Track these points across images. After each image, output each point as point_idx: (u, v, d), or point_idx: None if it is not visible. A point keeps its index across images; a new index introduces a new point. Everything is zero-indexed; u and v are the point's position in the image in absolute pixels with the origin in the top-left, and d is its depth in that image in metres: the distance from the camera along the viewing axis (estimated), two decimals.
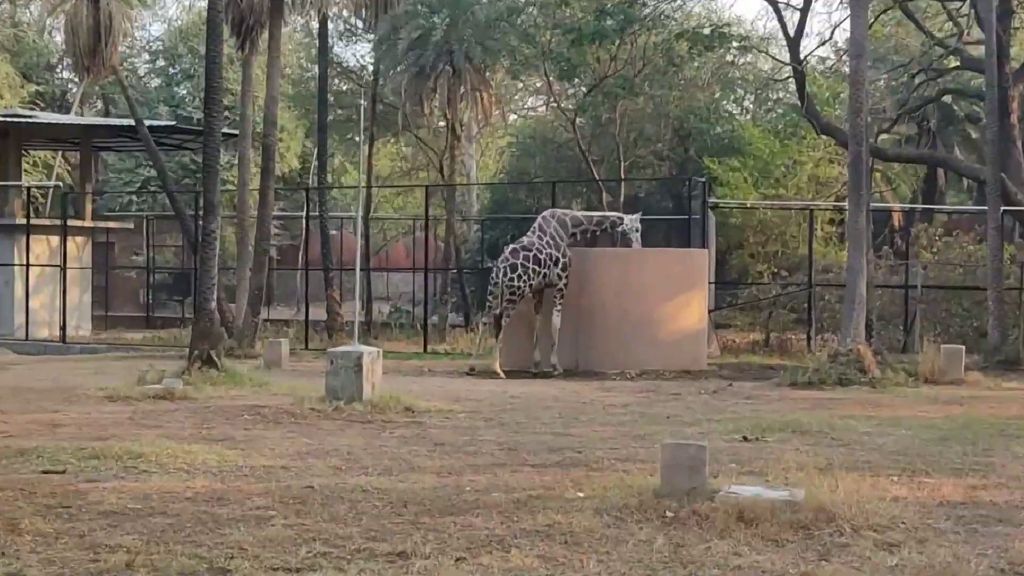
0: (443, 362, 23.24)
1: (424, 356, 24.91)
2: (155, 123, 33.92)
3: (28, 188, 35.25)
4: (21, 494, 8.60)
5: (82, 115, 44.86)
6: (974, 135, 39.09)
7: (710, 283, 24.17)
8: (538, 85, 44.68)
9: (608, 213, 23.78)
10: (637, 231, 21.69)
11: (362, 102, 20.74)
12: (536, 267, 20.48)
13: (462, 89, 32.69)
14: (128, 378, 17.02)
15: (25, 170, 38.83)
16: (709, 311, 23.44)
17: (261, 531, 7.48)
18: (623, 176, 34.58)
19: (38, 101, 45.42)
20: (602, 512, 7.92)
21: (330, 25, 36.11)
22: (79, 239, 32.58)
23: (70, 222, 31.76)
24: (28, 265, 30.61)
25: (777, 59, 35.15)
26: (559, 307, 20.86)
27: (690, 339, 21.34)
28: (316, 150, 35.12)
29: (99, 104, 51.29)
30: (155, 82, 49.17)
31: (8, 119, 32.85)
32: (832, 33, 68.08)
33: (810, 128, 30.09)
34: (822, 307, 25.65)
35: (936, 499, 8.67)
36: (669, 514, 7.76)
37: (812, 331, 25.26)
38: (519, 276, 20.32)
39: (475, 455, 10.81)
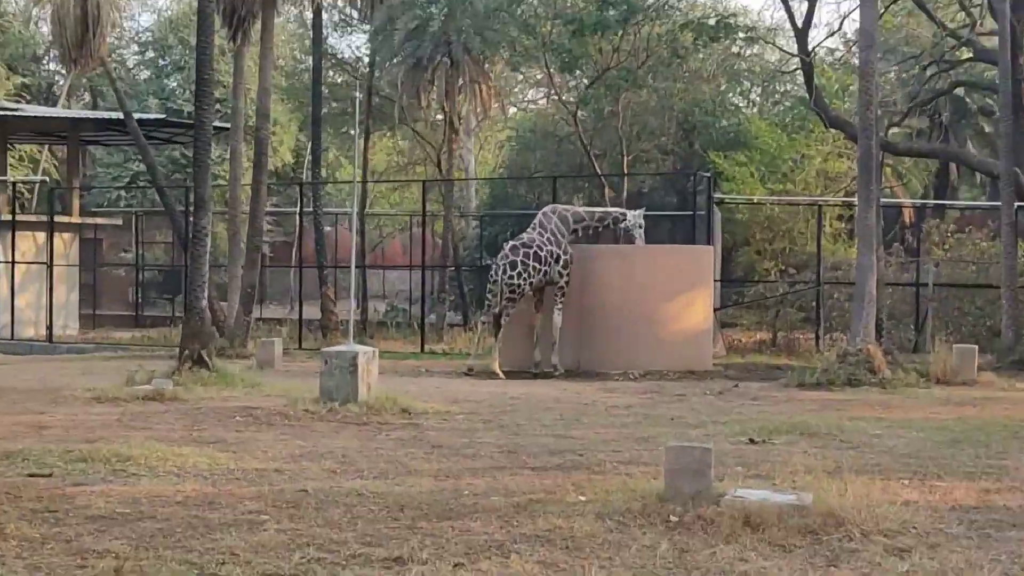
0: (441, 362, 23.24)
1: (421, 356, 24.91)
2: (144, 116, 33.93)
3: (14, 183, 35.25)
4: (6, 498, 8.59)
5: (69, 108, 44.85)
6: (987, 129, 39.11)
7: (715, 281, 24.18)
8: (538, 77, 44.67)
9: (610, 209, 23.77)
10: (640, 227, 21.68)
11: (357, 95, 20.70)
12: (536, 264, 20.48)
13: (460, 81, 32.69)
14: (116, 379, 17.01)
15: (11, 164, 38.85)
16: (714, 310, 23.44)
17: (253, 536, 7.48)
18: (626, 171, 34.57)
19: (24, 94, 45.43)
20: (604, 516, 7.91)
21: (324, 15, 36.13)
22: (66, 236, 32.59)
23: (57, 218, 31.78)
24: (13, 262, 30.61)
25: (784, 50, 35.17)
26: (560, 306, 20.86)
27: (695, 339, 21.34)
28: (310, 144, 35.13)
29: (87, 97, 51.30)
30: (144, 74, 49.20)
31: None
32: (841, 23, 68.25)
33: (818, 121, 30.09)
34: (831, 306, 25.65)
35: (948, 503, 8.67)
36: (673, 519, 7.76)
37: (820, 330, 25.27)
38: (519, 274, 20.32)
39: (474, 458, 10.81)
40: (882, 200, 24.13)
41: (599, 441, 11.97)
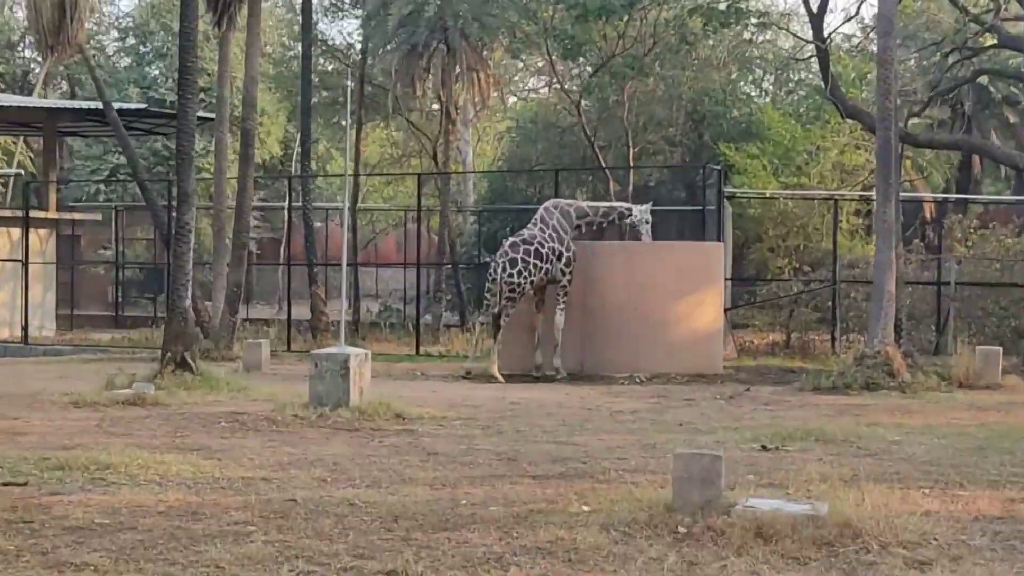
0: (437, 365, 23.24)
1: (416, 358, 24.92)
2: (125, 106, 33.91)
3: None
4: None
5: (45, 97, 44.84)
6: (1012, 119, 39.11)
7: (726, 279, 24.19)
8: (540, 65, 44.64)
9: (616, 204, 23.78)
10: (647, 223, 21.67)
11: (349, 83, 20.76)
12: (537, 262, 20.48)
13: (457, 69, 32.69)
14: (95, 382, 17.02)
15: None
16: (725, 310, 23.45)
17: (239, 548, 7.48)
18: (632, 163, 34.57)
19: None
20: (609, 527, 7.92)
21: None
22: (42, 232, 32.57)
23: (32, 213, 31.75)
24: None
25: (799, 37, 35.12)
26: (563, 305, 20.86)
27: (704, 340, 21.34)
28: (299, 135, 35.12)
29: (64, 86, 51.28)
30: (125, 61, 49.19)
31: None
32: (858, 8, 68.17)
33: (834, 111, 30.04)
34: (847, 305, 25.64)
35: (971, 513, 8.68)
36: (682, 530, 7.76)
37: (837, 331, 25.26)
38: (519, 272, 20.32)
39: (471, 466, 10.82)
40: (901, 194, 24.11)
41: (603, 448, 11.98)
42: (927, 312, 26.09)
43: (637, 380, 20.05)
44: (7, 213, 33.08)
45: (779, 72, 42.11)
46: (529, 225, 21.23)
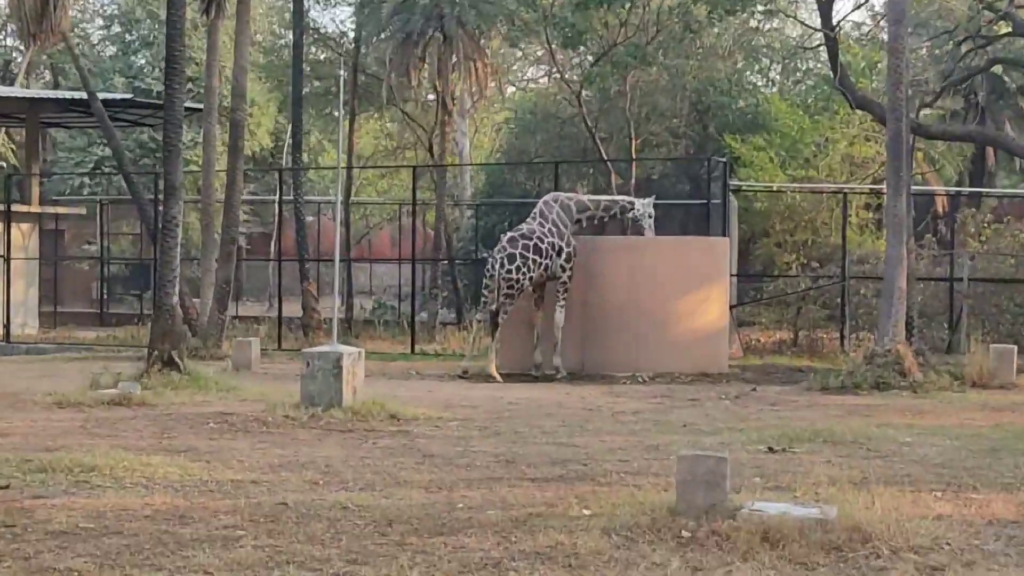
0: (433, 364, 23.25)
1: (411, 357, 24.93)
2: (110, 96, 33.91)
3: None
4: None
5: (28, 87, 44.82)
6: None
7: (731, 276, 24.18)
8: (539, 54, 44.64)
9: (617, 197, 23.78)
10: (650, 217, 21.68)
11: (342, 73, 20.67)
12: (537, 258, 20.48)
13: (454, 58, 32.66)
14: (80, 382, 17.01)
15: None
16: (730, 307, 23.46)
17: (228, 553, 7.48)
18: (634, 156, 34.57)
19: None
20: (610, 532, 7.92)
21: None
22: (24, 226, 32.56)
23: (14, 207, 31.75)
24: None
25: (807, 24, 35.13)
26: (563, 302, 20.86)
27: (709, 338, 21.35)
28: (290, 126, 35.11)
29: (47, 75, 51.25)
30: (110, 50, 49.14)
31: None
32: None
33: (844, 102, 30.05)
34: (857, 302, 25.65)
35: (985, 517, 8.68)
36: (685, 534, 7.77)
37: (846, 329, 25.27)
38: (517, 268, 20.32)
39: (468, 468, 10.82)
40: (913, 188, 24.10)
41: (605, 450, 11.98)
42: (939, 309, 26.09)
43: (639, 380, 20.05)
44: None
45: (786, 61, 42.11)
46: (528, 219, 21.22)
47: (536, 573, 7.08)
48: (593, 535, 7.83)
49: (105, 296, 37.54)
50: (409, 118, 39.68)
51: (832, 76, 28.60)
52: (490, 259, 20.84)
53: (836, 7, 27.78)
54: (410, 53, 32.46)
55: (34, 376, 19.69)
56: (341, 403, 14.20)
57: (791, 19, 37.15)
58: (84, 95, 30.35)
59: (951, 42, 32.14)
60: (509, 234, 21.00)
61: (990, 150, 39.20)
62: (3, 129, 43.35)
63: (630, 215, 21.75)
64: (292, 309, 30.00)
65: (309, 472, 10.46)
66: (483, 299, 21.01)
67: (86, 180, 43.32)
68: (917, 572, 7.19)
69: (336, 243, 17.13)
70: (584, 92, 35.36)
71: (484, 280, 20.96)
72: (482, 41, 34.31)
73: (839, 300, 25.78)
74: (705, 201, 27.13)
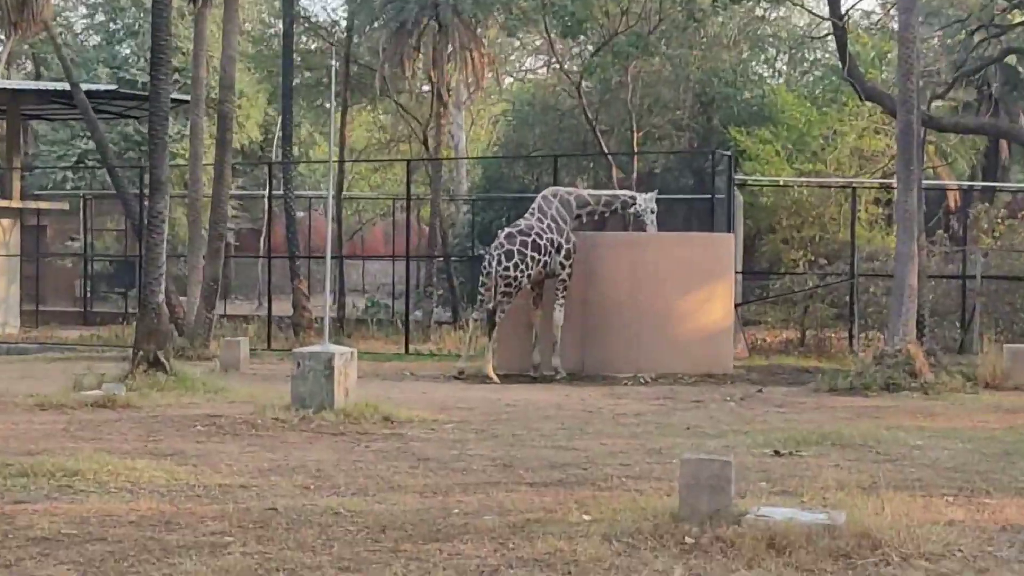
0: (428, 364, 23.26)
1: (406, 358, 24.94)
2: (94, 87, 33.89)
3: None
4: None
5: (9, 78, 44.80)
6: None
7: (736, 273, 24.19)
8: (538, 43, 44.64)
9: (619, 192, 23.77)
10: (652, 212, 21.69)
11: (333, 63, 20.64)
12: (535, 255, 20.48)
13: (449, 48, 32.65)
14: (62, 383, 17.00)
15: None
16: (735, 305, 23.46)
17: (216, 560, 7.48)
18: (636, 149, 34.56)
19: None
20: (611, 538, 7.92)
21: None
22: (5, 222, 32.56)
23: None
24: None
25: (815, 13, 35.10)
26: (562, 301, 20.87)
27: (713, 338, 21.36)
28: (280, 119, 35.09)
29: (29, 66, 51.22)
30: (94, 40, 49.10)
31: None
32: None
33: (853, 93, 30.04)
34: (866, 301, 25.66)
35: (998, 523, 8.68)
36: (689, 540, 7.77)
37: (855, 328, 25.28)
38: (515, 265, 20.32)
39: (464, 472, 10.83)
40: (924, 182, 24.10)
41: (605, 453, 11.99)
42: (951, 308, 26.10)
43: (641, 380, 20.06)
44: None
45: (793, 51, 42.08)
46: (526, 215, 21.22)
47: None
48: (593, 542, 7.83)
49: (89, 294, 37.51)
50: (403, 110, 39.70)
51: (840, 66, 28.58)
52: (487, 256, 20.84)
53: None
54: (404, 42, 32.45)
55: (15, 377, 19.67)
56: (333, 405, 14.20)
57: (798, 7, 37.09)
58: (67, 86, 30.34)
59: (964, 31, 32.17)
60: (507, 230, 21.00)
61: (1004, 143, 39.22)
62: None
63: (632, 210, 21.75)
64: (282, 308, 29.99)
65: (300, 476, 10.46)
66: (480, 297, 21.01)
67: (69, 174, 43.27)
68: None
69: (328, 239, 17.12)
70: (584, 83, 35.35)
71: (481, 278, 20.96)
72: (479, 30, 34.31)
73: (848, 298, 25.79)
74: (709, 196, 27.18)
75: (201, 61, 27.10)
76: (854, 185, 28.63)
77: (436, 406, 15.74)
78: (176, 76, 35.28)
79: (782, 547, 7.54)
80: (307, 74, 41.65)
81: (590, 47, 36.43)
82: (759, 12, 38.59)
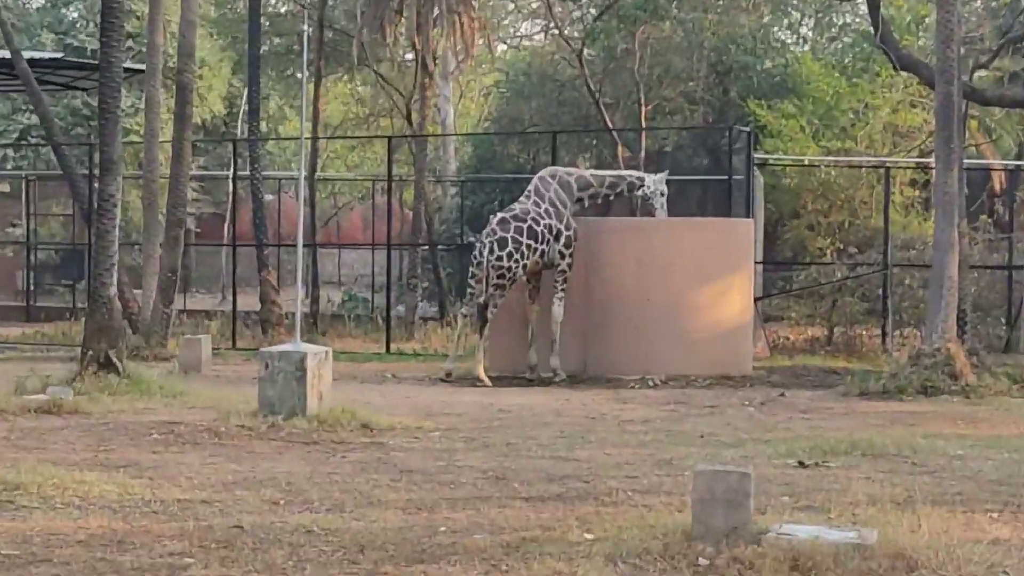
0: (411, 365, 23.26)
1: (387, 358, 24.93)
2: (37, 55, 33.80)
3: None
4: None
5: None
6: None
7: (756, 263, 24.20)
8: (534, 6, 44.62)
9: (625, 172, 23.78)
10: (662, 195, 21.69)
11: (306, 28, 20.61)
12: (531, 242, 20.48)
13: (436, 11, 32.61)
14: (2, 386, 16.97)
15: None
16: (755, 299, 23.48)
17: None
18: (644, 125, 34.55)
19: None
20: (616, 559, 7.93)
21: None
22: None
23: None
24: None
25: None
26: (561, 294, 20.87)
27: (730, 335, 21.37)
28: (246, 91, 35.05)
29: None
30: (37, 2, 49.05)
31: None
32: None
33: (886, 62, 30.04)
34: (901, 294, 25.68)
35: None
36: (703, 561, 7.78)
37: (888, 325, 25.30)
38: (509, 254, 20.32)
39: (452, 486, 10.83)
40: (965, 161, 24.12)
41: (610, 464, 12.00)
42: (996, 302, 26.13)
43: (650, 383, 20.07)
44: None
45: (820, 15, 42.09)
46: (521, 198, 21.22)
47: None
48: (596, 563, 7.83)
49: (32, 287, 37.46)
50: (384, 81, 39.61)
51: (872, 32, 28.59)
52: (477, 244, 20.84)
53: None
54: (385, 5, 32.40)
55: None
56: (305, 411, 14.19)
57: None
58: (6, 54, 30.26)
59: None
60: (499, 215, 21.00)
61: None
62: None
63: (639, 193, 21.75)
64: (248, 302, 29.96)
65: (268, 490, 10.46)
66: (469, 290, 21.01)
67: (9, 152, 43.23)
68: None
69: (299, 225, 17.10)
70: (586, 51, 35.31)
71: (471, 268, 20.96)
72: None
73: (880, 291, 25.80)
74: (726, 177, 27.13)
75: (157, 26, 27.05)
76: (888, 165, 28.63)
77: (421, 412, 15.74)
78: (129, 43, 35.22)
79: (807, 569, 7.55)
80: (276, 40, 41.64)
81: (593, 10, 36.42)
82: None
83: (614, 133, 33.82)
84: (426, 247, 33.44)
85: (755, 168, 26.73)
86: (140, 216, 29.67)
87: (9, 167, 42.71)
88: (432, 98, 36.50)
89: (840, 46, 40.87)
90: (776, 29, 41.24)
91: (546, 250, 20.68)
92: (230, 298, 30.39)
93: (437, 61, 36.09)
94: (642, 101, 34.66)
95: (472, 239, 24.12)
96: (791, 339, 27.05)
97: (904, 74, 29.58)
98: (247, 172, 30.96)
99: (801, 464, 11.84)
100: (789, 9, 41.75)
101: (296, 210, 19.59)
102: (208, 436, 13.44)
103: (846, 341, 26.45)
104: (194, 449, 12.75)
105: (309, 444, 13.11)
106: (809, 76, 33.64)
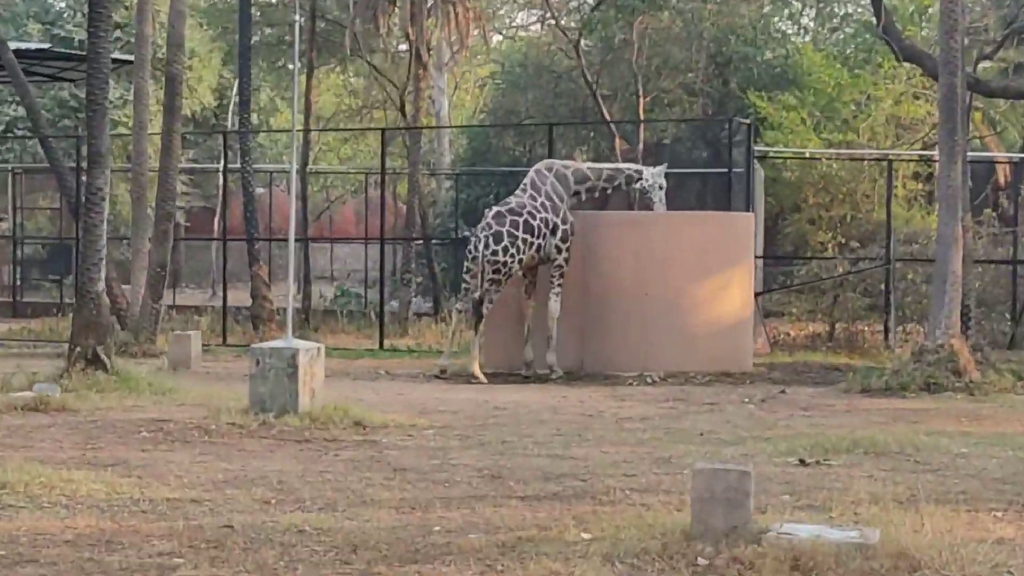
0: (405, 362, 23.27)
1: (380, 354, 24.93)
2: (23, 46, 33.78)
3: None
4: None
5: None
6: None
7: (757, 258, 24.20)
8: None
9: (622, 165, 23.78)
10: (661, 189, 21.69)
11: (298, 18, 20.59)
12: (527, 237, 20.48)
13: (430, 1, 32.60)
14: None
15: None
16: (755, 295, 23.48)
17: None
18: (642, 116, 34.55)
19: None
20: (614, 559, 7.93)
21: None
22: None
23: None
24: None
25: None
26: (558, 290, 20.87)
27: (730, 331, 21.37)
28: (237, 82, 35.03)
29: None
30: None
31: None
32: None
33: (889, 53, 30.06)
34: (904, 289, 25.69)
35: None
36: (702, 561, 7.78)
37: (891, 321, 25.31)
38: (505, 249, 20.32)
39: (446, 484, 10.83)
40: (970, 154, 24.12)
41: (607, 463, 12.00)
42: (1001, 297, 26.14)
43: (648, 380, 20.08)
44: None
45: (821, 5, 42.10)
46: (517, 192, 21.21)
47: None
48: (593, 563, 7.83)
49: (18, 282, 37.43)
50: (377, 72, 39.60)
51: (875, 22, 28.59)
52: (472, 238, 20.83)
53: None
54: None
55: None
56: (297, 408, 14.18)
57: None
58: None
59: None
60: (495, 209, 20.99)
61: None
62: None
63: (637, 186, 21.75)
64: (239, 297, 29.96)
65: (259, 489, 10.45)
66: (464, 286, 21.00)
67: None
68: None
69: (291, 219, 17.09)
70: (584, 41, 35.32)
71: (465, 263, 20.96)
72: None
73: (883, 287, 25.81)
74: (726, 170, 27.13)
75: (146, 16, 27.02)
76: (890, 158, 28.64)
77: (415, 409, 15.74)
78: (118, 33, 35.20)
79: (808, 569, 7.56)
80: (267, 31, 41.57)
81: (590, 1, 36.38)
82: None
83: (612, 125, 33.82)
84: (420, 241, 33.43)
85: (755, 161, 26.72)
86: (128, 210, 29.66)
87: None
88: (426, 90, 36.51)
89: (842, 36, 40.89)
90: (777, 19, 41.27)
91: (542, 244, 20.67)
92: (220, 293, 30.39)
93: (431, 52, 36.11)
94: (640, 93, 34.66)
95: (467, 233, 24.10)
96: (792, 335, 27.07)
97: (907, 65, 29.59)
98: (238, 165, 30.89)
99: (802, 462, 11.84)
100: None
101: (288, 204, 19.56)
102: (198, 434, 13.43)
103: (848, 337, 26.46)
104: (184, 447, 12.74)
105: (301, 442, 13.11)
106: (810, 67, 33.65)
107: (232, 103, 41.43)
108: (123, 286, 26.76)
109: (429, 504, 9.89)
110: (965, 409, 16.36)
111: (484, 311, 20.57)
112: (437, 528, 8.99)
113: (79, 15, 40.98)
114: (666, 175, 22.12)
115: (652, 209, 21.74)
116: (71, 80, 37.24)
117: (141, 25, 27.07)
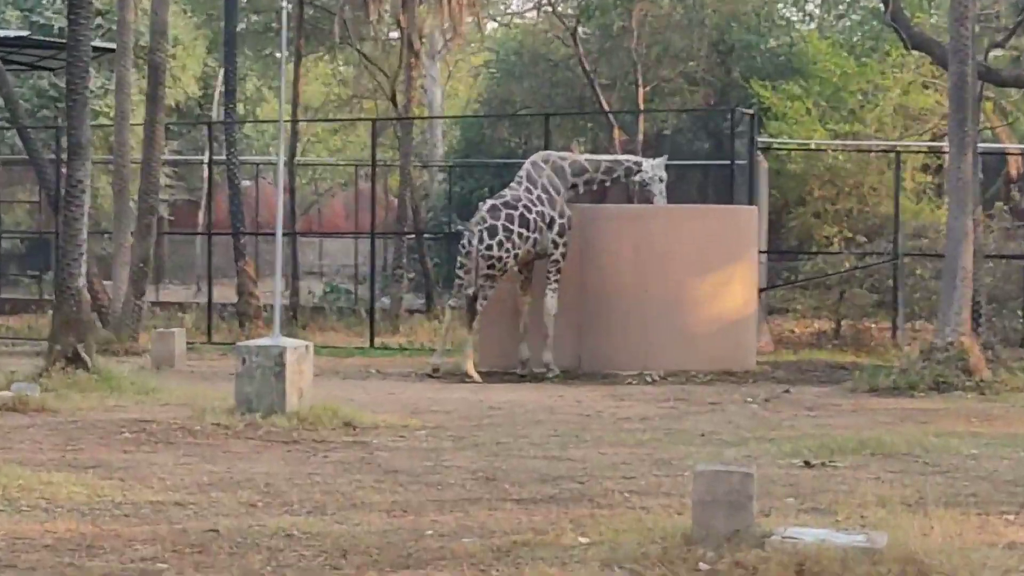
0: (396, 360, 23.27)
1: (370, 352, 24.93)
2: (1, 33, 33.74)
3: None
4: None
5: None
6: None
7: (760, 253, 24.21)
8: None
9: (621, 157, 23.78)
10: (661, 181, 21.69)
11: (285, 5, 20.56)
12: (523, 231, 20.47)
13: None
14: None
15: None
16: (759, 291, 23.49)
17: None
18: (642, 106, 34.54)
19: None
20: (612, 564, 7.93)
21: None
22: None
23: None
24: None
25: None
26: (554, 285, 20.87)
27: (733, 329, 21.38)
28: (222, 71, 35.00)
29: None
30: None
31: None
32: None
33: (897, 41, 30.07)
34: (912, 285, 25.70)
35: None
36: (704, 566, 7.78)
37: (899, 318, 25.32)
38: (500, 243, 20.32)
39: (439, 487, 10.84)
40: (980, 145, 24.13)
41: (606, 465, 12.01)
42: (1013, 293, 26.15)
43: (648, 379, 20.09)
44: None
45: None
46: (512, 184, 21.21)
47: None
48: (591, 568, 7.84)
49: None
50: (367, 61, 39.58)
51: (883, 9, 28.61)
52: (466, 233, 20.84)
53: None
54: None
55: None
56: (284, 408, 14.19)
57: None
58: None
59: None
60: (489, 202, 20.99)
61: None
62: None
63: (637, 178, 21.74)
64: (225, 294, 29.93)
65: (245, 492, 10.46)
66: (458, 281, 21.00)
67: None
68: None
69: (279, 213, 17.08)
70: (581, 29, 35.32)
71: (459, 258, 20.95)
72: None
73: (891, 282, 25.82)
74: (728, 161, 27.14)
75: (128, 3, 26.99)
76: (898, 149, 28.64)
77: (406, 409, 15.75)
78: (99, 20, 35.15)
79: (813, 574, 7.56)
80: (254, 18, 41.56)
81: None
82: None
83: (610, 115, 33.81)
84: (412, 236, 33.40)
85: (759, 152, 26.73)
86: (110, 203, 29.60)
87: None
88: (418, 79, 36.45)
89: (848, 24, 40.90)
90: (781, 6, 41.27)
91: (539, 239, 20.67)
92: (205, 290, 30.33)
93: (423, 40, 36.04)
94: (639, 82, 34.65)
95: (460, 227, 24.13)
96: (796, 332, 27.09)
97: (916, 53, 29.59)
98: (223, 157, 30.87)
99: (807, 464, 11.85)
100: None
101: (275, 197, 19.56)
102: (182, 435, 13.44)
103: (854, 335, 26.47)
104: (167, 448, 12.74)
105: (289, 443, 13.11)
106: (815, 55, 33.63)
107: (217, 92, 41.37)
108: (104, 282, 26.75)
109: (421, 507, 9.90)
110: (975, 409, 16.37)
111: (478, 308, 20.57)
112: (430, 532, 9.00)
113: (59, 2, 40.88)
114: (666, 167, 22.13)
115: (652, 202, 21.73)
116: (50, 69, 37.17)
117: (123, 12, 27.04)
